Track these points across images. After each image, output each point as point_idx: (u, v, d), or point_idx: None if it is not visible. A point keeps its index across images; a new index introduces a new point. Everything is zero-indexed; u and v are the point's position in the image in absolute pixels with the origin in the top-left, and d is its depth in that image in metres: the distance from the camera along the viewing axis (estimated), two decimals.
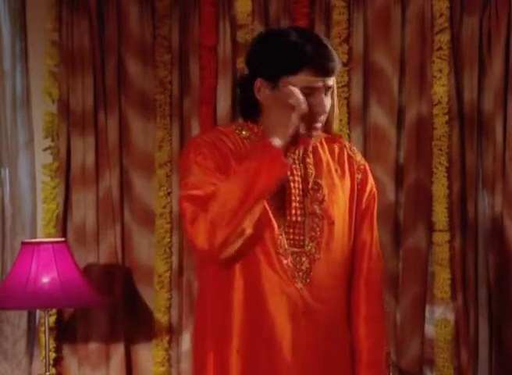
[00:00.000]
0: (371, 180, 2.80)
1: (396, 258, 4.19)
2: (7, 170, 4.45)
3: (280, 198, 2.68)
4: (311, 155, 2.73)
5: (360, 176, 2.78)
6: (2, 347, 4.37)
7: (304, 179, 2.72)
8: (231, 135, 2.73)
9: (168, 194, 4.37)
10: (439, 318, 4.17)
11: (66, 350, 4.43)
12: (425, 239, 4.16)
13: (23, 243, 4.08)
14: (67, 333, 4.41)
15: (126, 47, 4.36)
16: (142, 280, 4.38)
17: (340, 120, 4.16)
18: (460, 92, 4.17)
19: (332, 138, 2.78)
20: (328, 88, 2.63)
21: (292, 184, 2.70)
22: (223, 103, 4.32)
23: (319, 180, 2.72)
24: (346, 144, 2.81)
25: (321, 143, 2.75)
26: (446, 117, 4.14)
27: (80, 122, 4.41)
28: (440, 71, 4.15)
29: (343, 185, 2.75)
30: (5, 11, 4.42)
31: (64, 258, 4.05)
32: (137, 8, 4.37)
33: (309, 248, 2.71)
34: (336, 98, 2.71)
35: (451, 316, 4.16)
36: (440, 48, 4.15)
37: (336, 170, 2.75)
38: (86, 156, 4.40)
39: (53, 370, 4.30)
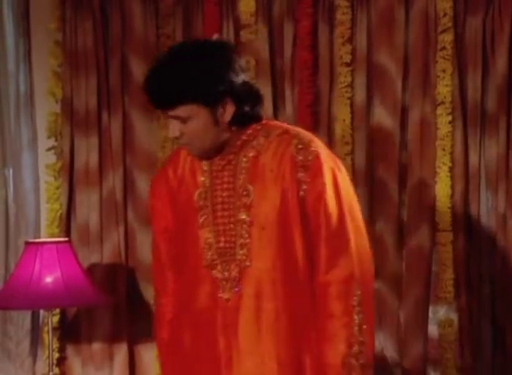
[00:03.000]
0: (320, 178, 2.46)
1: (400, 258, 3.91)
2: (11, 170, 4.30)
3: (208, 207, 2.51)
4: (244, 159, 2.49)
5: (302, 174, 2.46)
6: (6, 347, 4.21)
7: (234, 185, 2.50)
8: (180, 161, 2.59)
9: None
10: (443, 318, 3.89)
11: (70, 350, 4.25)
12: (429, 239, 3.88)
13: (26, 243, 3.91)
14: (70, 333, 4.25)
15: (130, 47, 4.16)
16: (145, 280, 4.11)
17: (344, 120, 3.93)
18: (464, 92, 3.89)
19: (284, 135, 2.51)
20: (174, 117, 2.44)
21: (219, 193, 2.51)
22: None
23: (249, 185, 2.48)
24: (294, 141, 2.49)
25: (270, 142, 2.49)
26: (450, 117, 3.86)
27: (83, 122, 4.21)
28: (444, 71, 3.86)
29: (277, 187, 2.47)
30: (9, 11, 4.25)
31: (67, 258, 3.88)
32: (141, 8, 4.15)
33: (239, 255, 2.48)
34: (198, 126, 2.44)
35: (454, 316, 3.88)
36: (444, 48, 3.86)
37: (272, 171, 2.48)
38: (89, 156, 4.20)
39: (56, 370, 4.11)
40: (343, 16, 3.92)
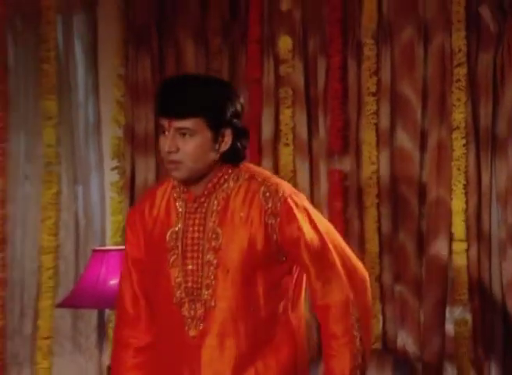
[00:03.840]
0: (293, 224, 2.39)
1: (420, 265, 4.08)
2: (80, 187, 4.44)
3: (179, 247, 2.43)
4: (215, 202, 2.42)
5: (273, 221, 2.39)
6: (77, 341, 4.34)
7: (204, 228, 2.42)
8: (157, 200, 2.49)
9: None
10: (458, 317, 4.04)
11: None
12: (446, 248, 4.05)
13: (93, 250, 4.05)
14: None
15: None
16: None
17: (370, 143, 4.10)
18: (477, 119, 4.07)
19: (251, 180, 2.43)
20: (179, 129, 2.35)
21: (190, 234, 2.43)
22: (267, 128, 4.27)
23: (218, 229, 2.40)
24: (262, 189, 2.41)
25: (239, 186, 2.42)
26: (464, 140, 4.04)
27: (142, 145, 4.41)
28: (459, 100, 4.05)
29: (246, 232, 2.39)
30: (80, 50, 4.43)
31: None
32: (193, 46, 4.36)
33: (205, 296, 2.40)
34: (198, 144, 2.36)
35: (469, 316, 4.03)
36: (458, 80, 4.05)
37: (241, 217, 2.40)
38: (148, 174, 4.38)
39: None
40: (369, 52, 4.11)
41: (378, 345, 4.06)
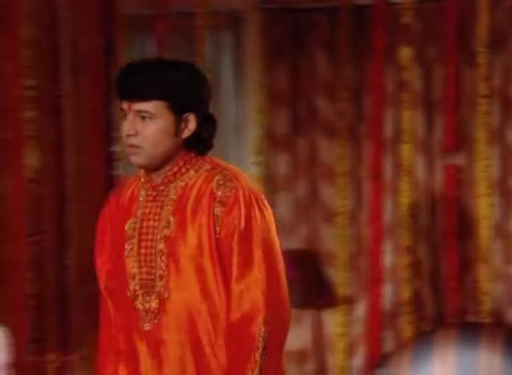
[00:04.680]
0: (235, 213, 2.15)
1: None
2: None
3: (135, 237, 2.24)
4: (174, 191, 2.22)
5: (219, 209, 2.16)
6: None
7: (159, 216, 2.21)
8: (125, 190, 2.32)
9: (345, 198, 4.49)
10: None
11: None
12: None
13: None
14: None
15: (316, 87, 4.57)
16: (327, 263, 4.53)
17: (483, 141, 4.23)
18: None
19: (211, 171, 2.22)
20: (138, 112, 2.15)
21: (145, 223, 2.23)
22: (389, 128, 4.50)
23: (171, 217, 2.19)
24: (217, 177, 2.20)
25: (198, 176, 2.22)
26: None
27: (279, 143, 4.62)
28: None
29: (195, 221, 2.18)
30: (228, 62, 4.69)
31: None
32: (323, 57, 4.55)
33: (158, 287, 2.19)
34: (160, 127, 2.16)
35: None
36: None
37: (193, 206, 2.19)
38: (283, 169, 4.61)
39: None
40: (482, 59, 4.20)
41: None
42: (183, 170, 2.23)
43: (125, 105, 2.17)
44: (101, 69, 4.42)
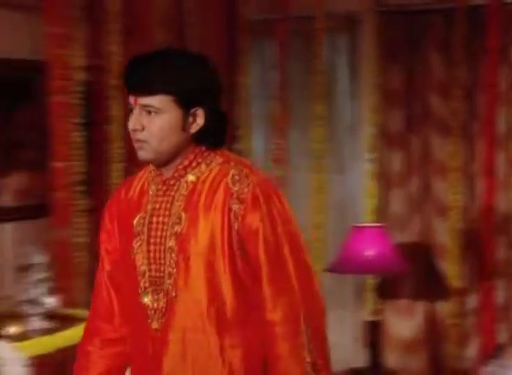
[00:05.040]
0: (257, 212, 2.03)
1: None
2: (342, 175, 4.77)
3: (144, 233, 2.13)
4: (184, 186, 2.10)
5: (237, 206, 2.04)
6: (337, 299, 4.62)
7: (169, 212, 2.10)
8: (134, 183, 2.20)
9: (457, 193, 4.51)
10: None
11: (384, 303, 4.64)
12: None
13: (353, 227, 4.26)
14: (385, 291, 4.63)
15: (430, 86, 4.60)
16: (439, 255, 4.56)
17: None
18: None
19: (224, 165, 2.11)
20: (144, 107, 2.04)
21: (155, 219, 2.11)
22: (502, 126, 4.53)
23: (183, 213, 2.07)
24: (232, 171, 2.08)
25: (210, 170, 2.11)
26: None
27: (393, 141, 4.68)
28: None
29: (208, 218, 2.05)
30: (344, 63, 4.78)
31: (382, 238, 4.19)
32: (438, 57, 4.57)
33: (166, 285, 2.08)
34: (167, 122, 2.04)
35: None
36: None
37: (205, 202, 2.06)
38: (397, 165, 4.66)
39: (374, 318, 4.51)
40: None
41: None
42: (194, 164, 2.11)
43: (131, 99, 2.06)
44: (225, 71, 4.64)
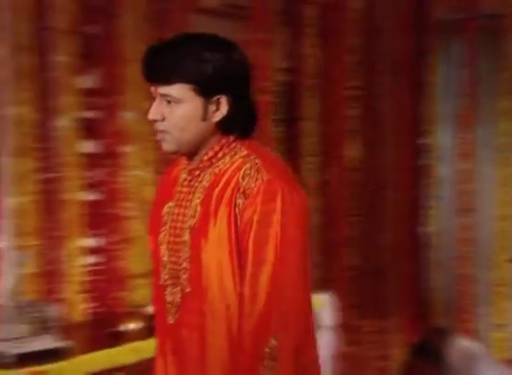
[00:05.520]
0: (253, 207, 1.90)
1: None
2: None
3: (168, 224, 2.05)
4: (207, 178, 2.01)
5: (241, 201, 1.92)
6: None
7: (190, 204, 2.01)
8: (178, 165, 2.13)
9: None
10: None
11: None
12: None
13: None
14: None
15: None
16: None
17: None
18: None
19: (245, 158, 1.99)
20: (164, 96, 1.95)
21: (177, 210, 2.04)
22: None
23: (198, 207, 1.98)
24: (246, 165, 1.96)
25: (232, 163, 1.99)
26: None
27: None
28: None
29: (217, 212, 1.94)
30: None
31: None
32: None
33: (182, 280, 2.00)
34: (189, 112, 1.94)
35: None
36: None
37: (217, 197, 1.96)
38: None
39: None
40: None
41: None
42: (220, 155, 2.00)
43: (152, 88, 1.98)
44: (414, 70, 4.82)
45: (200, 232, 1.95)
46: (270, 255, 1.88)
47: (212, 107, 1.95)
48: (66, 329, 3.19)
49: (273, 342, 1.87)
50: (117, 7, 3.65)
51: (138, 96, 3.66)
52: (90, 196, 3.63)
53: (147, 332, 3.24)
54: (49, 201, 3.47)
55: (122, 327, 3.37)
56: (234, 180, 1.94)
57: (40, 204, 3.44)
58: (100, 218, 3.65)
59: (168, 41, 1.94)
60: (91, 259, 3.63)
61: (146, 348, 3.03)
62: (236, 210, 1.92)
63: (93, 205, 3.63)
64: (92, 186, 3.64)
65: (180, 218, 2.01)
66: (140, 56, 1.93)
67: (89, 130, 3.61)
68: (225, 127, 1.97)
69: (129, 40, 3.66)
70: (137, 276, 3.74)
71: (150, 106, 1.99)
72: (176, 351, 2.02)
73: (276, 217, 1.88)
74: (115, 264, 3.71)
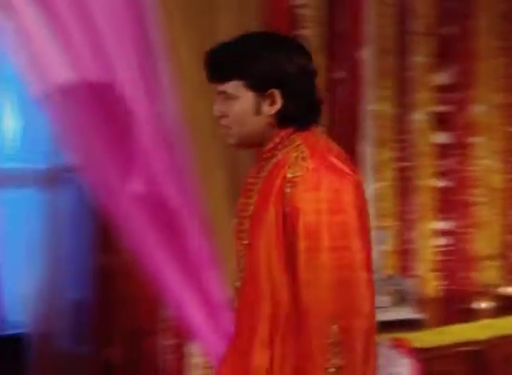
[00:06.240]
0: (299, 196, 1.91)
1: None
2: None
3: (238, 215, 2.09)
4: (268, 167, 2.03)
5: (288, 190, 1.93)
6: None
7: (251, 194, 2.04)
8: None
9: None
10: None
11: None
12: None
13: None
14: None
15: None
16: None
17: None
18: None
19: (297, 147, 2.00)
20: (222, 93, 2.02)
21: (243, 199, 2.08)
22: None
23: (255, 196, 2.02)
24: (294, 154, 1.98)
25: (287, 153, 2.00)
26: None
27: None
28: None
29: (267, 203, 1.96)
30: None
31: None
32: None
33: (241, 265, 2.04)
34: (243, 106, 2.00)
35: None
36: None
37: (269, 185, 1.98)
38: None
39: None
40: None
41: None
42: (280, 147, 2.03)
43: (216, 87, 2.06)
44: None
45: (254, 220, 1.99)
46: (322, 241, 1.88)
47: (266, 101, 2.00)
48: (421, 302, 3.53)
49: (335, 327, 1.87)
50: (473, 8, 3.93)
51: (489, 89, 3.93)
52: (441, 183, 3.99)
53: (499, 311, 3.53)
54: (405, 186, 3.88)
55: (475, 305, 3.66)
56: (284, 169, 1.96)
57: (397, 189, 3.85)
58: (450, 203, 3.98)
59: (226, 40, 2.03)
60: (442, 241, 3.98)
61: (498, 325, 3.35)
62: (284, 201, 1.93)
63: (444, 191, 3.98)
64: (443, 174, 3.98)
65: (244, 207, 2.06)
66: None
67: (442, 122, 3.95)
68: (282, 120, 2.02)
69: (484, 38, 3.93)
70: (485, 257, 4.02)
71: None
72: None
73: (322, 205, 1.89)
74: (464, 246, 4.02)
